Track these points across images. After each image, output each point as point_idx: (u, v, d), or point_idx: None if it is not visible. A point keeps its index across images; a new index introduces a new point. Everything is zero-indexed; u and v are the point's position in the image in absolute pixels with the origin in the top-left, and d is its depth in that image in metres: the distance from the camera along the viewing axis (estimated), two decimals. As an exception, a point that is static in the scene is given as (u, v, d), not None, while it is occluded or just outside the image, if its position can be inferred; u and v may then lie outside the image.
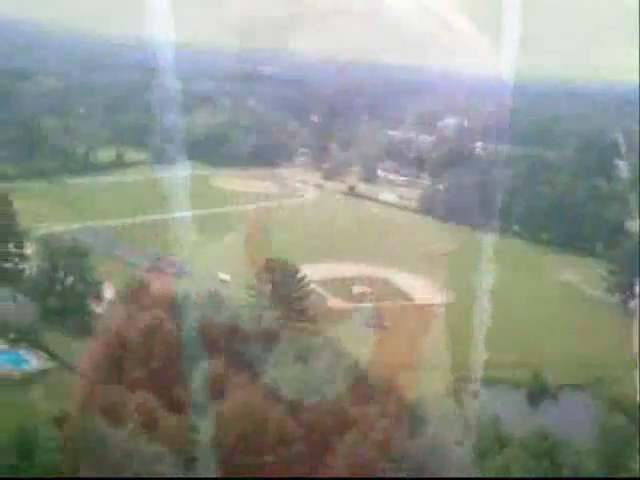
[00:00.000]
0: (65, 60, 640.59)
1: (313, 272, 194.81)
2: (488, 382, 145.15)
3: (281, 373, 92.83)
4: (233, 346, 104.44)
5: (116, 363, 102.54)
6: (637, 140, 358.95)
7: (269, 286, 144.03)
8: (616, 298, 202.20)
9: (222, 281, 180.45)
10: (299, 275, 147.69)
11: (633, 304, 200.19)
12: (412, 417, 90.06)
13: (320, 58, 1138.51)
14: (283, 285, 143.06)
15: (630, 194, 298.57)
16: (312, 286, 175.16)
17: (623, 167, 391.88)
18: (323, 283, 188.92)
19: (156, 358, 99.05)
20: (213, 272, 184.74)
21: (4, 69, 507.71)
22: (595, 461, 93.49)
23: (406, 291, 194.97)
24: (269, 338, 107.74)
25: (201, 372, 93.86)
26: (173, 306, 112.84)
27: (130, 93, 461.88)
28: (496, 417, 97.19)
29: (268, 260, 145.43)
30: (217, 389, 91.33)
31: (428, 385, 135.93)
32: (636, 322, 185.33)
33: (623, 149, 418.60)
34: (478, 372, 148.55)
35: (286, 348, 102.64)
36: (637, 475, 76.13)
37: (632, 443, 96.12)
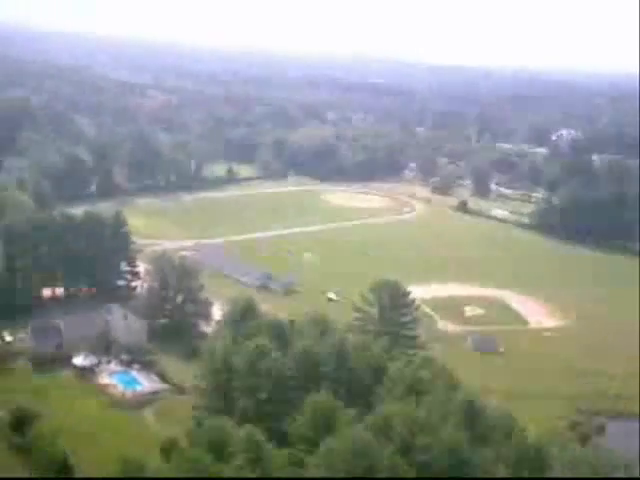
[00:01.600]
0: (179, 76, 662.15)
1: (422, 291, 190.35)
2: (616, 415, 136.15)
3: (391, 408, 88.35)
4: (341, 376, 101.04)
5: (223, 391, 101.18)
6: None
7: (377, 309, 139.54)
8: None
9: (330, 300, 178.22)
10: (409, 298, 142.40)
11: None
12: (533, 461, 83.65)
13: (427, 66, 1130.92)
14: (392, 308, 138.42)
15: None
16: (423, 307, 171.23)
17: None
18: (433, 303, 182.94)
19: (263, 388, 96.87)
20: (322, 290, 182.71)
21: (121, 85, 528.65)
22: None
23: (521, 313, 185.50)
24: (378, 368, 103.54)
25: (309, 405, 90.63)
26: (280, 331, 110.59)
27: (241, 107, 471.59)
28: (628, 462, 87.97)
29: (376, 281, 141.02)
30: (326, 423, 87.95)
31: (548, 418, 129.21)
32: None
33: None
34: (604, 404, 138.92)
35: (396, 380, 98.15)
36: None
37: None
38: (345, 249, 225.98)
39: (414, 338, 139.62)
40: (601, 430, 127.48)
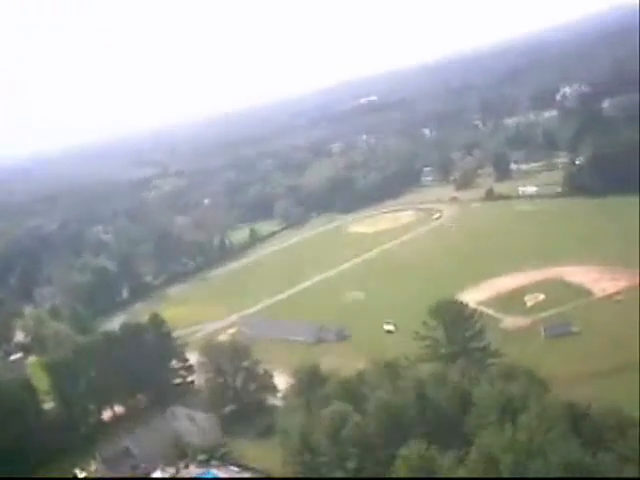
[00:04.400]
0: (184, 161, 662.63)
1: (477, 294, 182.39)
2: None
3: (489, 439, 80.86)
4: (426, 418, 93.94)
5: (307, 468, 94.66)
6: None
7: (440, 331, 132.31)
8: None
9: (389, 332, 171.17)
10: (469, 309, 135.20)
11: None
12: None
13: (413, 66, 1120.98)
14: (455, 326, 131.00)
15: None
16: (484, 310, 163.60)
17: None
18: (491, 303, 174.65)
19: (350, 457, 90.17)
20: (377, 325, 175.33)
21: (126, 184, 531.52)
22: None
23: (583, 286, 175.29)
24: (463, 395, 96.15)
25: (403, 461, 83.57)
26: (351, 390, 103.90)
27: (248, 167, 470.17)
28: None
29: (432, 304, 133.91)
30: (427, 473, 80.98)
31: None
32: None
33: None
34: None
35: (486, 404, 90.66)
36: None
37: None
38: (387, 276, 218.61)
39: (485, 349, 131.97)
40: None
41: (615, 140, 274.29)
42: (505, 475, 76.59)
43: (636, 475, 70.22)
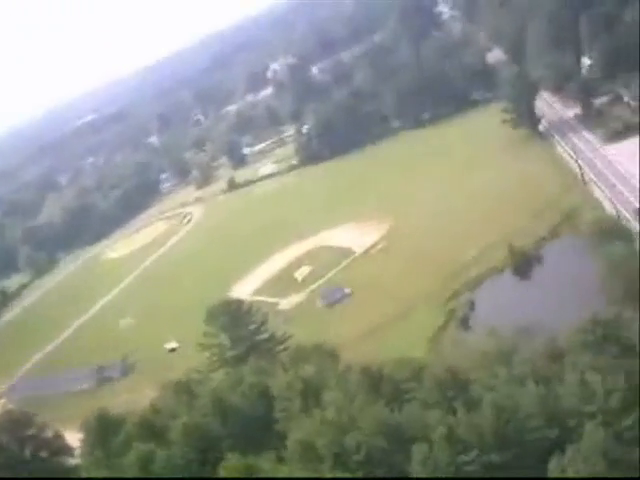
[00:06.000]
0: None
1: (249, 286, 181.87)
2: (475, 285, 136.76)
3: (300, 428, 79.57)
4: (235, 428, 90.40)
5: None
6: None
7: (223, 336, 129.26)
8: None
9: (172, 350, 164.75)
10: (244, 305, 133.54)
11: (542, 126, 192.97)
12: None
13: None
14: (235, 326, 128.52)
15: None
16: (260, 299, 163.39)
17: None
18: (264, 289, 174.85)
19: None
20: (158, 347, 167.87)
21: None
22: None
23: (344, 246, 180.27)
24: (263, 393, 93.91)
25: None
26: (150, 426, 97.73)
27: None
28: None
29: (207, 311, 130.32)
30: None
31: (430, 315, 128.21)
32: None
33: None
34: (461, 281, 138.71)
35: (287, 394, 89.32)
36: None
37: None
38: (155, 293, 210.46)
39: (271, 338, 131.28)
40: (472, 305, 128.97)
41: (329, 103, 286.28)
42: (327, 457, 75.56)
43: (439, 417, 72.18)
